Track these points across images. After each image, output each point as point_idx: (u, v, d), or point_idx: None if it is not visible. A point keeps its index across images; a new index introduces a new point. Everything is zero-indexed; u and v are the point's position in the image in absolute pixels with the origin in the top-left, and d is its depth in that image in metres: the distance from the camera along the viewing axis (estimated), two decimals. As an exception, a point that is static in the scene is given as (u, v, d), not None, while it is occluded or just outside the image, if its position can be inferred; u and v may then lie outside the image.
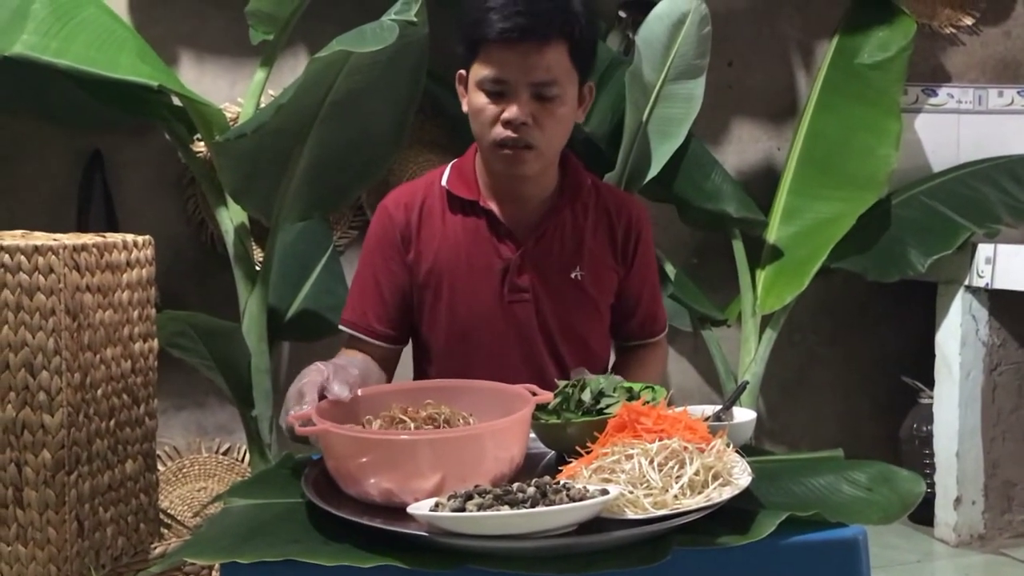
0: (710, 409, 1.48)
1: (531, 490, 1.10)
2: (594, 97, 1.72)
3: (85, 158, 2.70)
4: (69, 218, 2.65)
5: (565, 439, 1.36)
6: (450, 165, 1.78)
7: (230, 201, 2.45)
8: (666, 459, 1.17)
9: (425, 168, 2.79)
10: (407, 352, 1.81)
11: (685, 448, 1.18)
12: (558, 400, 1.43)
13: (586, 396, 1.42)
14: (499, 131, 1.60)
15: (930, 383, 3.18)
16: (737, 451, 1.24)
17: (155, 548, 1.75)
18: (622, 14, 2.96)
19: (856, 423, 3.42)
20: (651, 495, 1.12)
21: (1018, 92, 3.51)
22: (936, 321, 3.13)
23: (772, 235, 2.99)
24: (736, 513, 1.16)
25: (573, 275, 1.72)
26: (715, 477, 1.16)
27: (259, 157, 2.26)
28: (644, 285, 1.82)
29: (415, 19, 2.08)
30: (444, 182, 1.74)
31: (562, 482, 1.13)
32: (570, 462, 1.25)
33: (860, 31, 3.11)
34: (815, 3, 3.29)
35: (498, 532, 1.06)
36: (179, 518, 2.59)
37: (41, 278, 1.48)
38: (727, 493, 1.14)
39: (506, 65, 1.57)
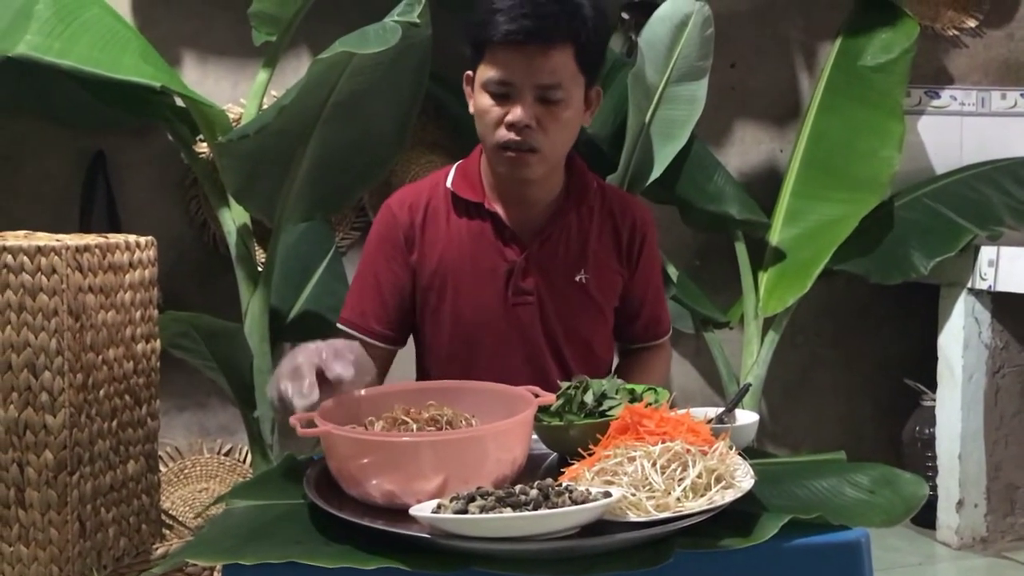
0: (712, 411, 1.47)
1: (534, 492, 1.10)
2: (601, 102, 1.71)
3: (88, 159, 2.70)
4: (72, 219, 2.65)
5: (567, 441, 1.35)
6: (455, 166, 1.77)
7: (232, 202, 2.45)
8: (669, 461, 1.17)
9: (427, 169, 2.79)
10: (410, 353, 1.81)
11: (688, 450, 1.18)
12: (560, 402, 1.43)
13: (588, 398, 1.42)
14: (502, 133, 1.60)
15: (932, 386, 3.17)
16: (740, 453, 1.24)
17: (157, 549, 1.75)
18: (625, 16, 2.96)
19: (858, 425, 3.42)
20: (654, 498, 1.12)
21: (1021, 94, 3.51)
22: (939, 323, 3.13)
23: (775, 237, 2.99)
24: (739, 516, 1.16)
25: (577, 278, 1.72)
26: (718, 480, 1.16)
27: (261, 158, 2.26)
28: (648, 288, 1.81)
29: (418, 20, 2.08)
30: (449, 184, 1.74)
31: (564, 484, 1.13)
32: (572, 464, 1.24)
33: (863, 33, 3.11)
34: (818, 5, 3.29)
35: (500, 534, 1.05)
36: (181, 519, 2.59)
37: (44, 279, 1.48)
38: (730, 496, 1.14)
39: (511, 67, 1.57)
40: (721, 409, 1.49)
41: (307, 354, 1.36)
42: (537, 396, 1.35)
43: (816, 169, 3.03)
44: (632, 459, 1.17)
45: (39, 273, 1.48)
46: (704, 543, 1.11)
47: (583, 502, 1.08)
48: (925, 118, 3.42)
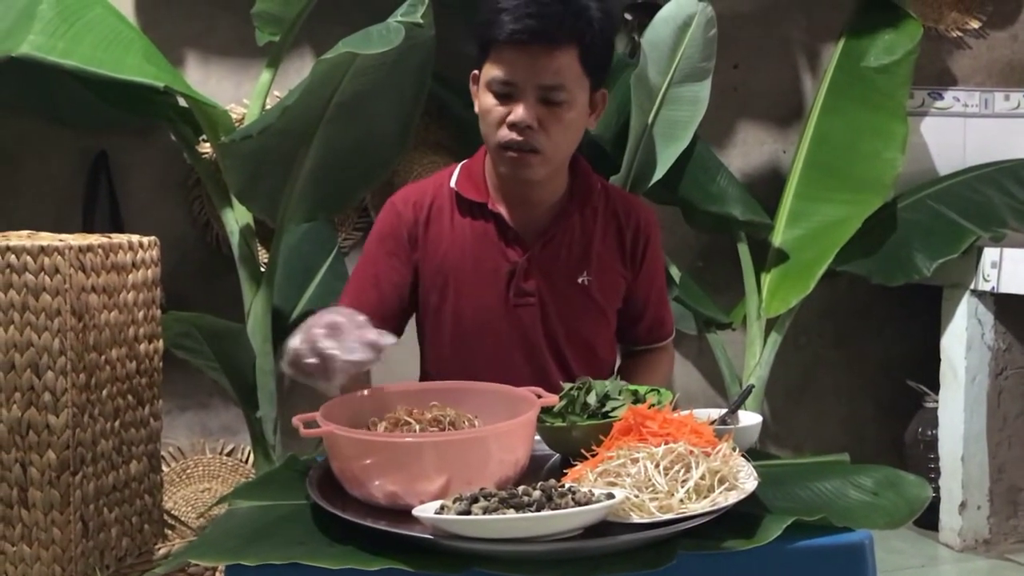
0: (715, 413, 1.47)
1: (537, 493, 1.10)
2: (606, 104, 1.71)
3: (91, 159, 2.70)
4: (75, 219, 2.65)
5: (570, 442, 1.35)
6: (459, 166, 1.77)
7: (235, 202, 2.45)
8: (672, 463, 1.16)
9: (430, 170, 2.79)
10: (412, 354, 1.81)
11: (691, 452, 1.18)
12: (563, 403, 1.43)
13: (591, 399, 1.41)
14: (504, 133, 1.59)
15: (935, 387, 3.17)
16: (743, 455, 1.24)
17: (159, 549, 1.75)
18: (628, 16, 2.96)
19: (861, 427, 3.42)
20: (657, 499, 1.12)
21: (1024, 96, 3.51)
22: (941, 325, 3.12)
23: (777, 238, 2.99)
24: (742, 517, 1.16)
25: (580, 280, 1.71)
26: (721, 481, 1.16)
27: (264, 158, 2.26)
28: (652, 289, 1.81)
29: (421, 21, 2.08)
30: (453, 183, 1.73)
31: (567, 485, 1.13)
32: (575, 465, 1.24)
33: (866, 34, 3.11)
34: (821, 6, 3.29)
35: (503, 536, 1.05)
36: (183, 519, 2.59)
37: (47, 278, 1.48)
38: (733, 497, 1.14)
39: (515, 67, 1.57)
40: (724, 410, 1.49)
41: (345, 315, 1.36)
42: (540, 397, 1.35)
43: (819, 170, 3.03)
44: (635, 460, 1.17)
45: (42, 273, 1.48)
46: (707, 545, 1.11)
47: (586, 503, 1.07)
48: (928, 119, 3.42)
